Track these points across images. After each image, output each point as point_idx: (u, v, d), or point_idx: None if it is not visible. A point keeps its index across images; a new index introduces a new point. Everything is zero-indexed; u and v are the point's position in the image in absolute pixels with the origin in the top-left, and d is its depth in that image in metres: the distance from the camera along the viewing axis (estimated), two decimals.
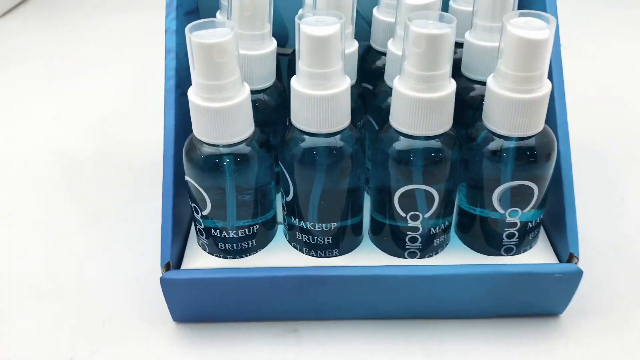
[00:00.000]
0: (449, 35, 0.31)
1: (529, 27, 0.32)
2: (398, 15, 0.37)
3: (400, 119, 0.34)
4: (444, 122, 0.34)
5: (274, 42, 0.38)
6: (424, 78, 0.32)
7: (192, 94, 0.33)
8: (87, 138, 0.61)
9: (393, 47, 0.38)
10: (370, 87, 0.45)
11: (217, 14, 0.43)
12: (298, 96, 0.33)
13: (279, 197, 0.41)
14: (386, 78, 0.40)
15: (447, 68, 0.33)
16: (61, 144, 0.60)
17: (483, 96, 0.39)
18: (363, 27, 0.47)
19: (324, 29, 0.31)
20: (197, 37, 0.31)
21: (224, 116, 0.33)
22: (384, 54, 0.43)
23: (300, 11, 0.43)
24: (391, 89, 0.39)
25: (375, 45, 0.44)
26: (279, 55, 0.46)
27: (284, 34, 0.48)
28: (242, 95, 0.33)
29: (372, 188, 0.38)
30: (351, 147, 0.35)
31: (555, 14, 0.41)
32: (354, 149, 0.35)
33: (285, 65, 0.47)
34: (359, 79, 0.41)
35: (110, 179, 0.55)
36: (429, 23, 0.32)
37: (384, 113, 0.40)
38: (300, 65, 0.33)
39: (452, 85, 0.33)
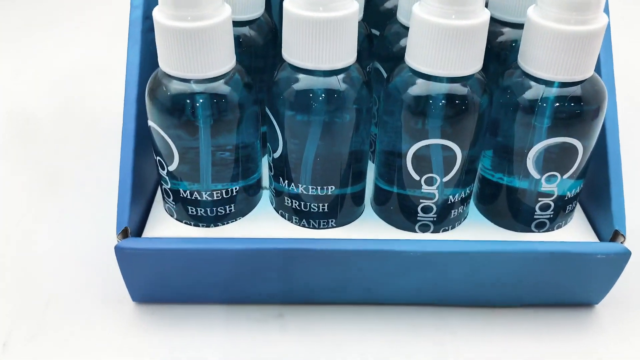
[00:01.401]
0: None
1: None
2: None
3: (419, 54, 0.27)
4: (473, 60, 0.27)
5: None
6: (452, 0, 0.26)
7: (157, 12, 0.26)
8: (49, 95, 0.54)
9: None
10: (378, 33, 0.39)
11: None
12: (291, 19, 0.26)
13: (265, 159, 0.35)
14: (399, 15, 0.33)
15: None
16: (19, 102, 0.53)
17: (514, 42, 0.33)
18: None
19: None
20: None
21: (198, 40, 0.26)
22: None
23: None
24: (405, 28, 0.32)
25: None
26: None
27: None
28: (222, 15, 0.26)
29: (378, 150, 0.32)
30: (356, 91, 0.28)
31: None
32: (360, 95, 0.28)
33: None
34: (365, 19, 0.35)
35: (71, 139, 0.48)
36: None
37: (395, 60, 0.33)
38: None
39: (485, 13, 0.27)
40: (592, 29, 0.26)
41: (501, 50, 0.33)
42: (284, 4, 0.27)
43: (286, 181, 0.31)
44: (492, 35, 0.33)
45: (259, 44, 0.33)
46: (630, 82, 0.48)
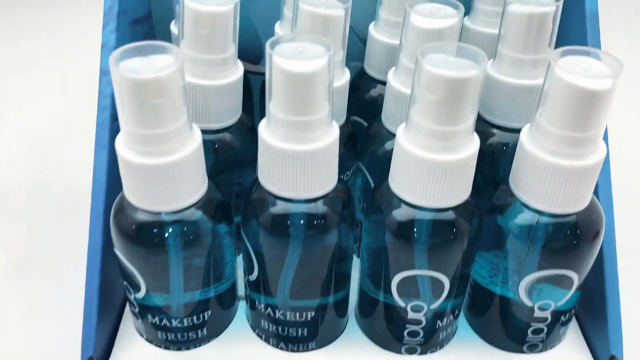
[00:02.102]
0: (477, 78, 0.23)
1: (585, 71, 0.23)
2: (404, 39, 0.29)
3: (404, 183, 0.25)
4: (461, 190, 0.25)
5: (240, 68, 0.29)
6: (440, 134, 0.24)
7: (121, 145, 0.24)
8: (15, 166, 0.50)
9: (395, 81, 0.29)
10: (362, 122, 0.37)
11: (172, 24, 0.34)
12: (268, 150, 0.25)
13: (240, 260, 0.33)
14: (384, 118, 0.31)
15: (471, 121, 0.24)
16: None
17: (504, 145, 0.31)
18: (355, 43, 0.39)
19: (305, 63, 0.23)
20: (127, 69, 0.22)
21: (165, 176, 0.24)
22: (381, 82, 0.35)
23: (276, 26, 0.34)
24: (389, 132, 0.30)
25: (371, 70, 0.35)
26: (250, 73, 0.37)
27: (257, 48, 0.39)
28: (190, 147, 0.24)
29: (363, 258, 0.30)
30: (337, 214, 0.26)
31: (597, 44, 0.33)
32: (342, 216, 0.27)
33: (258, 88, 0.38)
34: (349, 111, 0.33)
35: (41, 218, 0.45)
36: (449, 60, 0.24)
37: (379, 161, 0.31)
38: (272, 108, 0.24)
39: (474, 143, 0.25)
40: (590, 163, 0.24)
41: (491, 153, 0.31)
42: (260, 130, 0.25)
43: (262, 305, 0.29)
44: (483, 136, 0.31)
45: (236, 147, 0.31)
46: (627, 181, 0.46)
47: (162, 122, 0.23)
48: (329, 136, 0.25)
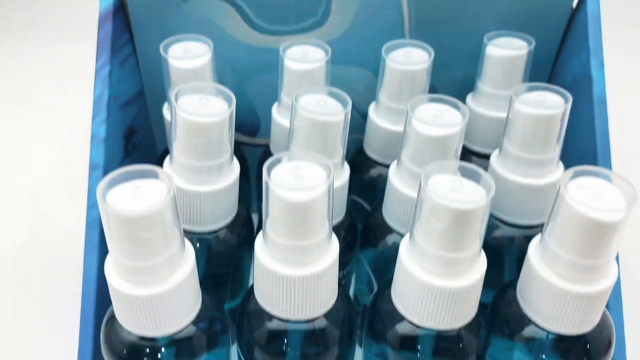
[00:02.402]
0: (485, 208, 0.22)
1: (597, 199, 0.22)
2: (405, 139, 0.27)
3: (408, 304, 0.24)
4: (467, 312, 0.24)
5: (236, 168, 0.28)
6: (445, 261, 0.23)
7: (110, 270, 0.23)
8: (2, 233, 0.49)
9: (396, 180, 0.28)
10: (362, 203, 0.36)
11: (164, 108, 0.33)
12: (264, 272, 0.23)
13: None
14: (385, 213, 0.30)
15: (477, 245, 0.23)
16: None
17: (510, 240, 0.30)
18: (355, 118, 0.38)
19: (305, 193, 0.22)
20: (115, 201, 0.21)
21: (157, 304, 0.23)
22: (381, 164, 0.34)
23: (273, 109, 0.33)
24: (390, 229, 0.29)
25: (370, 152, 0.34)
26: (246, 145, 0.36)
27: (254, 122, 0.38)
28: (183, 272, 0.23)
29: None
30: (338, 328, 0.25)
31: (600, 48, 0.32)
32: (342, 331, 0.26)
33: (254, 159, 0.37)
34: (349, 191, 0.32)
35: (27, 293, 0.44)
36: (454, 184, 0.22)
37: (379, 257, 0.30)
38: (270, 231, 0.23)
39: (481, 266, 0.24)
40: (601, 289, 0.23)
41: (498, 248, 0.30)
42: (256, 250, 0.24)
43: None
44: (489, 230, 0.30)
45: (233, 244, 0.30)
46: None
47: (153, 254, 0.22)
48: (328, 256, 0.23)
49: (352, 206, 0.35)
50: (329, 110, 0.27)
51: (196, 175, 0.26)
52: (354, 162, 0.35)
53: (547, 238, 0.24)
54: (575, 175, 0.23)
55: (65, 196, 0.50)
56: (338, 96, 0.27)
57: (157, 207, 0.21)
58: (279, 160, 0.23)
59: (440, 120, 0.26)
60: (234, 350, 0.30)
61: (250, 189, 0.38)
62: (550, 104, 0.27)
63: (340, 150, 0.28)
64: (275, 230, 0.23)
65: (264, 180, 0.22)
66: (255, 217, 0.33)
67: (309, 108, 0.26)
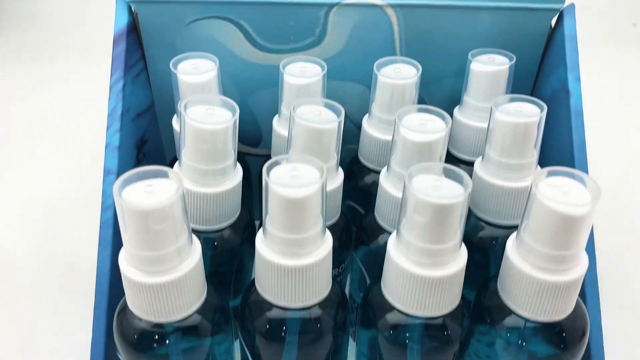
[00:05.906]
0: (463, 203, 0.24)
1: (565, 195, 0.24)
2: (394, 146, 0.30)
3: (396, 293, 0.26)
4: (451, 300, 0.26)
5: (239, 172, 0.31)
6: (428, 252, 0.25)
7: (123, 261, 0.25)
8: (21, 239, 0.51)
9: (387, 183, 0.30)
10: (357, 207, 0.38)
11: (174, 120, 0.36)
12: (264, 263, 0.26)
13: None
14: (377, 214, 0.32)
15: (458, 238, 0.25)
16: None
17: (493, 239, 0.32)
18: (350, 129, 0.40)
19: (300, 190, 0.24)
20: (129, 197, 0.23)
21: (167, 292, 0.25)
22: (374, 171, 0.36)
23: (274, 121, 0.36)
24: (381, 229, 0.32)
25: (364, 160, 0.36)
26: (249, 155, 0.38)
27: (257, 133, 0.41)
28: (191, 262, 0.25)
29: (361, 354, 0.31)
30: (332, 317, 0.28)
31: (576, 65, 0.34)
32: (336, 320, 0.28)
33: (257, 170, 0.39)
34: (345, 196, 0.34)
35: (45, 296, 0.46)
36: (435, 184, 0.25)
37: (371, 254, 0.33)
38: (269, 226, 0.25)
39: (462, 257, 0.26)
40: (573, 278, 0.25)
41: (481, 247, 0.32)
42: (257, 243, 0.26)
43: None
44: (473, 230, 0.32)
45: (236, 243, 0.32)
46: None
47: (163, 245, 0.24)
48: (322, 250, 0.26)
49: (348, 210, 0.37)
50: (323, 119, 0.29)
51: (202, 178, 0.29)
52: (350, 170, 0.37)
53: (522, 233, 0.26)
54: (547, 175, 0.25)
55: (81, 202, 0.53)
56: (332, 107, 0.30)
57: (168, 202, 0.23)
58: (277, 162, 0.25)
59: (425, 127, 0.29)
60: (236, 345, 0.32)
61: (253, 196, 0.40)
62: (527, 113, 0.30)
63: (334, 156, 0.30)
64: (273, 224, 0.25)
65: (263, 179, 0.24)
66: (257, 224, 0.36)
67: (305, 117, 0.29)
